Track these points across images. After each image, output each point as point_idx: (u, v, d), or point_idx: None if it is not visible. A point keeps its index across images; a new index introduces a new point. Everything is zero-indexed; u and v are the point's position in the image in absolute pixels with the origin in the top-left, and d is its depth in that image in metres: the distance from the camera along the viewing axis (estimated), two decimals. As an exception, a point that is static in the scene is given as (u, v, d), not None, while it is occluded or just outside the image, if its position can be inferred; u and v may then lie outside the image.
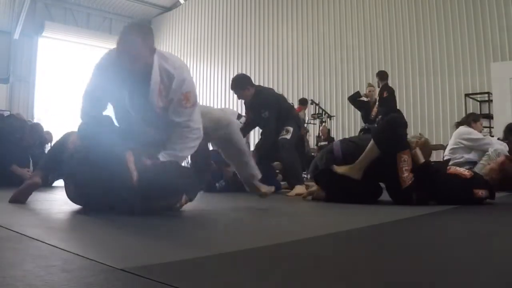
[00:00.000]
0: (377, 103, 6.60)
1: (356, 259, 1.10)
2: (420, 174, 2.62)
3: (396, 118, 2.80)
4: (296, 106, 8.76)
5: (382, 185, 2.97)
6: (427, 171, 2.68)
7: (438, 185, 2.64)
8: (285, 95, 11.65)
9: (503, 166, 2.94)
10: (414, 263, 1.05)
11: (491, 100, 7.88)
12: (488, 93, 8.00)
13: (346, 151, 2.85)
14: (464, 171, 2.84)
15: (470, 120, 4.41)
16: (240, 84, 4.32)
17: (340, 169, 2.75)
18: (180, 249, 1.24)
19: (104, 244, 1.26)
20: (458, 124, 4.48)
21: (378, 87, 6.75)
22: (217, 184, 4.08)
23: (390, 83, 9.55)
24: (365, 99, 6.87)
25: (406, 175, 2.56)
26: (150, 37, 2.02)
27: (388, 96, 6.50)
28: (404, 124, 2.73)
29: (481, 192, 2.66)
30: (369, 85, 6.99)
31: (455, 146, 4.10)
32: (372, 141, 2.69)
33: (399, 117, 2.85)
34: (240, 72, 12.73)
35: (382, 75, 6.80)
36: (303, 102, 8.71)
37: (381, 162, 2.66)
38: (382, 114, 6.40)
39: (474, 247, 1.31)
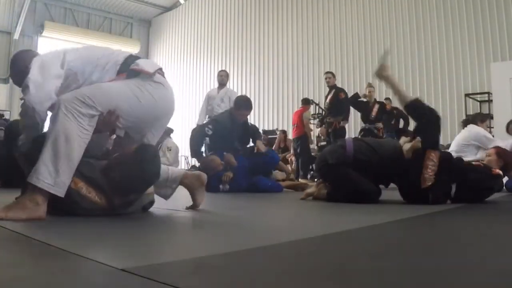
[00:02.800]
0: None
1: (356, 259, 1.10)
2: (445, 165, 2.65)
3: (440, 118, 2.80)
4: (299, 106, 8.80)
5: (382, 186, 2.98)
6: (450, 161, 2.73)
7: (464, 172, 2.69)
8: (285, 95, 11.75)
9: (499, 152, 3.09)
10: (414, 263, 1.05)
11: (491, 100, 7.89)
12: (488, 93, 8.01)
13: (358, 150, 2.84)
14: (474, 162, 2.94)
15: (477, 120, 4.46)
16: None
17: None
18: (180, 249, 1.24)
19: (104, 244, 1.26)
20: (466, 122, 4.51)
21: (329, 85, 6.80)
22: (220, 186, 4.08)
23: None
24: (364, 99, 6.88)
25: (430, 175, 2.56)
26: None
27: (344, 98, 6.58)
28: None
29: (497, 170, 2.82)
30: (369, 85, 7.00)
31: (466, 143, 4.12)
32: (414, 101, 2.72)
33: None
34: (239, 72, 12.76)
35: (334, 75, 6.90)
36: (306, 102, 8.62)
37: (399, 162, 2.66)
38: (333, 116, 6.55)
39: (474, 246, 1.31)
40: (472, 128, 4.34)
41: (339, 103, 6.62)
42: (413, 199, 2.66)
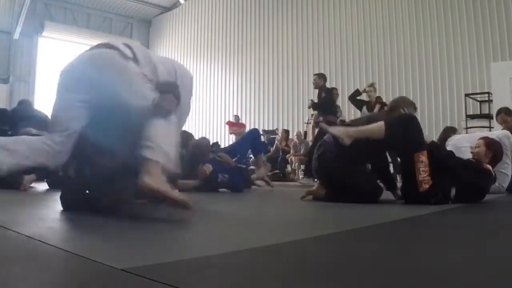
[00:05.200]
0: (377, 105, 6.65)
1: (356, 259, 1.10)
2: (435, 160, 2.65)
3: (414, 118, 2.80)
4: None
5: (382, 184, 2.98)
6: (439, 153, 2.75)
7: (456, 168, 2.70)
8: (285, 95, 11.74)
9: (488, 143, 3.02)
10: (414, 263, 1.05)
11: (491, 100, 7.88)
12: (488, 93, 8.01)
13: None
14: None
15: (450, 133, 4.63)
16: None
17: (333, 129, 2.83)
18: (180, 249, 1.24)
19: (104, 244, 1.26)
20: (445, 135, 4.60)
21: (316, 87, 6.93)
22: (219, 175, 4.07)
23: (390, 84, 9.60)
24: (365, 98, 6.87)
25: (423, 177, 2.56)
26: None
27: (325, 97, 6.69)
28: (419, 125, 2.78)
29: (488, 166, 2.83)
30: (370, 85, 6.98)
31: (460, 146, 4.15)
32: (382, 124, 2.70)
33: (415, 118, 2.85)
34: (240, 72, 12.75)
35: (325, 77, 7.07)
36: None
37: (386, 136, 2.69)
38: (321, 115, 6.70)
39: (474, 247, 1.31)
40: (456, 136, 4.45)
41: (323, 102, 6.77)
42: (413, 200, 2.66)
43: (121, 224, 1.72)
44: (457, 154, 3.03)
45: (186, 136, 4.06)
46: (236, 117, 11.30)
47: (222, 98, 13.19)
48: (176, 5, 15.22)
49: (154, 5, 15.36)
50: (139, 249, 1.18)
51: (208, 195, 3.58)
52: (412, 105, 3.16)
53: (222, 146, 6.19)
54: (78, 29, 14.06)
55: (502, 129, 4.53)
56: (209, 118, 13.41)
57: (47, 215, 2.01)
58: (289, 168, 9.58)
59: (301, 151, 9.00)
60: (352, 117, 8.82)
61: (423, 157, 2.58)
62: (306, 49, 11.32)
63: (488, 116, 7.76)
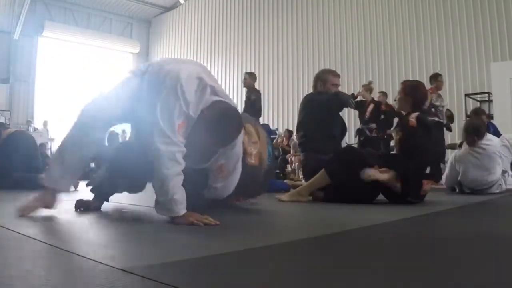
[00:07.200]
0: (371, 105, 6.55)
1: (356, 259, 1.10)
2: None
3: (342, 153, 2.89)
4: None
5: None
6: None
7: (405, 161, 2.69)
8: (285, 95, 11.74)
9: (405, 88, 2.93)
10: (414, 263, 1.05)
11: (491, 100, 7.89)
12: (488, 93, 8.01)
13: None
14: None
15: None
16: None
17: (285, 197, 2.88)
18: (180, 249, 1.24)
19: (104, 244, 1.26)
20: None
21: (246, 86, 6.91)
22: None
23: (390, 83, 9.60)
24: (363, 99, 6.80)
25: (386, 179, 2.60)
26: None
27: (255, 99, 6.67)
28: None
29: (412, 118, 2.67)
30: (363, 85, 6.92)
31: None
32: (322, 172, 2.77)
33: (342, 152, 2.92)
34: (240, 71, 12.74)
35: (255, 77, 6.94)
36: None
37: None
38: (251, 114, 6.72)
39: (474, 247, 1.31)
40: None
41: (252, 104, 6.67)
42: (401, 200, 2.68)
43: (121, 224, 1.73)
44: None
45: None
46: None
47: (222, 98, 13.17)
48: (176, 5, 15.22)
49: (154, 5, 15.36)
50: (139, 249, 1.18)
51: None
52: (331, 73, 3.51)
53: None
54: (78, 29, 14.06)
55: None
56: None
57: (47, 215, 2.01)
58: (289, 168, 9.58)
59: (301, 151, 8.98)
60: (352, 118, 8.83)
61: (371, 172, 2.62)
62: (306, 49, 11.32)
63: (488, 116, 7.75)
